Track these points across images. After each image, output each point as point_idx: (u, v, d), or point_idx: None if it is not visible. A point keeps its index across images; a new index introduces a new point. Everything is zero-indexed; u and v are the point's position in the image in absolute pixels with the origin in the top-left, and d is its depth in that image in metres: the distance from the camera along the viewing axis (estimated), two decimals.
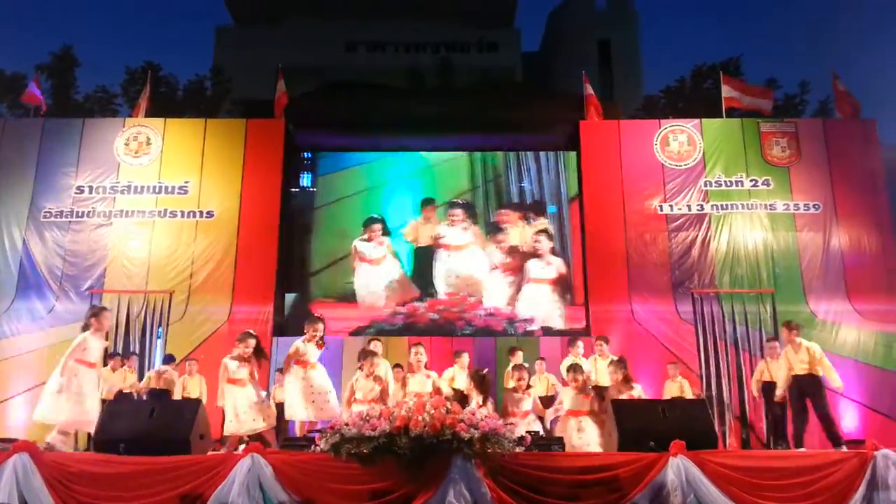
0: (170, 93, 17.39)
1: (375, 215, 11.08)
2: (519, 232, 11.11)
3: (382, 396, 6.44)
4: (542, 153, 11.53)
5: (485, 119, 11.41)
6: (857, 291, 10.18)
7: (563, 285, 10.87)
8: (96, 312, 6.46)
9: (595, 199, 10.78)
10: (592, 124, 11.21)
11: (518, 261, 10.96)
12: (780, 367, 7.65)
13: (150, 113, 11.46)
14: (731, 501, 4.77)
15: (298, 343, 6.79)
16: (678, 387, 8.61)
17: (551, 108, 12.21)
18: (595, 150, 11.02)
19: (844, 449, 6.31)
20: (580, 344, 8.74)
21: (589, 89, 11.50)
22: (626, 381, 6.92)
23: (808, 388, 7.21)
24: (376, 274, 10.90)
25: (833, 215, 10.50)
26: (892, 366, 9.81)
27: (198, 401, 5.40)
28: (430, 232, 11.04)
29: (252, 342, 6.50)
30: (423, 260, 11.00)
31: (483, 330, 10.51)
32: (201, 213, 10.59)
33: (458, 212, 11.08)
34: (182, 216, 10.57)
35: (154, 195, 10.64)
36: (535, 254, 10.94)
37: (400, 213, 11.20)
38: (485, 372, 7.08)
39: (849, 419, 9.45)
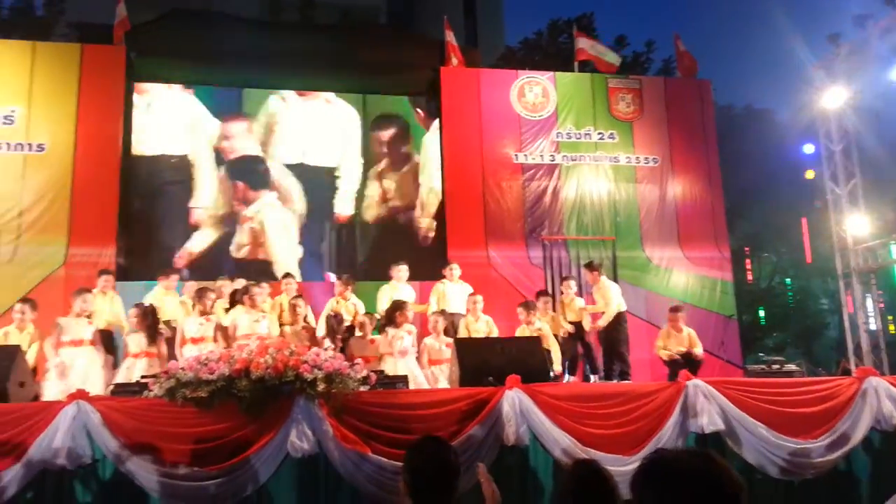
0: None
1: None
2: None
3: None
4: None
5: (346, 59, 11.10)
6: (687, 240, 11.08)
7: None
8: None
9: (454, 147, 10.89)
10: (453, 71, 11.25)
11: None
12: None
13: None
14: (559, 429, 5.14)
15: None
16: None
17: (414, 52, 12.04)
18: (455, 97, 11.06)
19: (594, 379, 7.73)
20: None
21: (450, 36, 11.50)
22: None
23: (609, 325, 8.31)
24: None
25: (669, 169, 11.29)
26: (715, 307, 10.87)
27: (16, 347, 5.00)
28: None
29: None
30: None
31: None
32: (30, 145, 9.61)
33: None
34: (8, 149, 9.56)
35: None
36: None
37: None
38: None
39: None
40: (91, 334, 6.42)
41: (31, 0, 16.36)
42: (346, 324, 7.66)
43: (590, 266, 8.82)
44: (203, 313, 6.66)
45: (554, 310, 8.58)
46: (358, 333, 7.35)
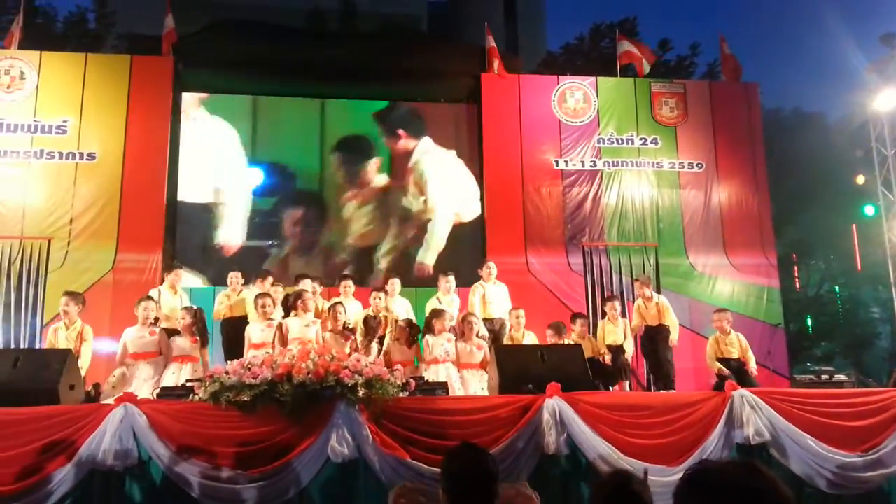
0: (47, 24, 16.01)
1: None
2: None
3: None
4: None
5: (387, 68, 11.19)
6: (733, 246, 10.84)
7: None
8: None
9: (494, 153, 10.87)
10: (493, 77, 11.23)
11: None
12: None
13: (24, 46, 10.51)
14: (601, 438, 5.06)
15: None
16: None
17: (455, 59, 12.09)
18: (495, 103, 11.05)
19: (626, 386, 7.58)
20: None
21: (491, 42, 11.49)
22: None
23: (658, 336, 8.09)
24: None
25: (714, 175, 11.07)
26: (761, 316, 10.61)
27: (67, 350, 5.14)
28: None
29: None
30: None
31: None
32: (81, 154, 9.90)
33: None
34: (60, 158, 9.87)
35: (29, 134, 9.84)
36: None
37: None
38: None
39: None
40: (155, 346, 6.41)
41: (84, 13, 16.90)
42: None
43: (644, 279, 8.66)
44: (265, 318, 6.71)
45: (589, 331, 8.45)
46: (388, 340, 7.39)
